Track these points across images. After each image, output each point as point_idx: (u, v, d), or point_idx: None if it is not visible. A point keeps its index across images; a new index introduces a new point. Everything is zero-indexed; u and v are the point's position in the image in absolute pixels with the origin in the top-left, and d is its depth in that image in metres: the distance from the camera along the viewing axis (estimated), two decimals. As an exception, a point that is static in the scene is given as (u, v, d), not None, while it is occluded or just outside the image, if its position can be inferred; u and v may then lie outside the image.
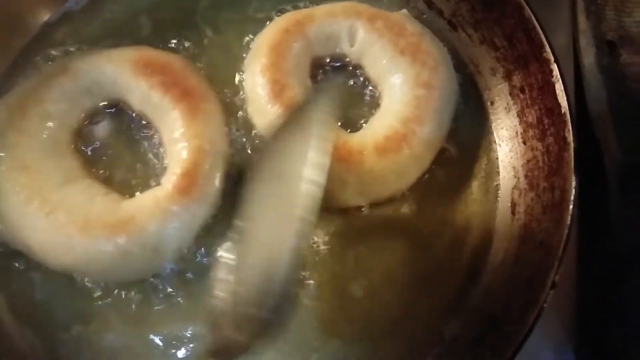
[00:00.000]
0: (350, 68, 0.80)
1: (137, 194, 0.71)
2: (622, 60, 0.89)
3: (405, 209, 0.74)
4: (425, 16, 0.83)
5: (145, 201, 0.67)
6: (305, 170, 0.57)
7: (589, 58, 0.91)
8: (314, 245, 0.72)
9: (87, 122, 0.75)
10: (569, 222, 0.61)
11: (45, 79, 0.71)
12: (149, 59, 0.73)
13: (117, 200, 0.68)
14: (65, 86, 0.71)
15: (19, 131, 0.68)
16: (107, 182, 0.73)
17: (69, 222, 0.64)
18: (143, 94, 0.72)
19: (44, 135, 0.69)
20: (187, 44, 0.80)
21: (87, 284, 0.69)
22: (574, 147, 0.65)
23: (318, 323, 0.69)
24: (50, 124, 0.70)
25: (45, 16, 0.81)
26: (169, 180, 0.68)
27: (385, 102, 0.76)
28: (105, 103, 0.76)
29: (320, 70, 0.80)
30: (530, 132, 0.72)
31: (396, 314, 0.70)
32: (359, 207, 0.74)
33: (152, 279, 0.70)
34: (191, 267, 0.70)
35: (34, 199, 0.65)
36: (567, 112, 0.65)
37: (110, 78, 0.73)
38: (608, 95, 0.88)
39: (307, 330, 0.69)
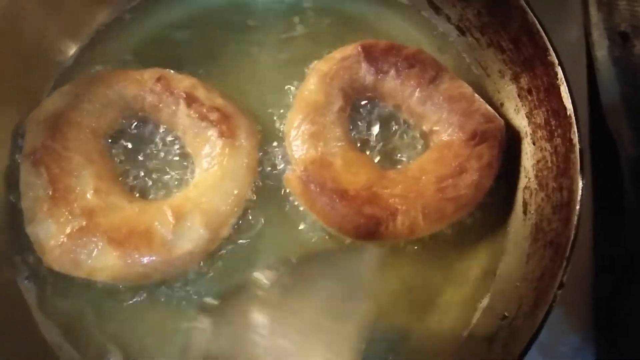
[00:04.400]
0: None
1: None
2: (635, 52, 0.90)
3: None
4: (433, 22, 0.86)
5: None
6: None
7: (601, 50, 0.92)
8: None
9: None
10: (575, 222, 0.63)
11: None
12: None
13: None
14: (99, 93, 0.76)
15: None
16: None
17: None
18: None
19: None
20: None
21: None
22: (580, 149, 0.66)
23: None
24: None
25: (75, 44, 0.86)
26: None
27: None
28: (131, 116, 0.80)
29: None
30: (539, 133, 0.74)
31: (414, 314, 0.73)
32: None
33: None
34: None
35: None
36: (573, 115, 0.67)
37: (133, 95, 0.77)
38: (621, 87, 0.89)
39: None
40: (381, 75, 0.78)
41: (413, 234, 0.71)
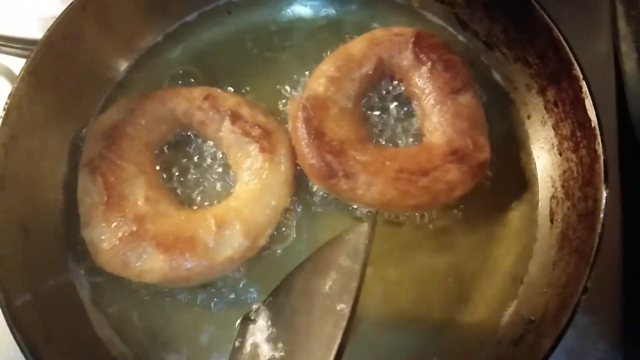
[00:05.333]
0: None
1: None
2: (663, 65, 0.91)
3: (450, 219, 0.80)
4: (461, 38, 0.89)
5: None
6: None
7: (630, 63, 0.93)
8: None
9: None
10: (599, 230, 0.65)
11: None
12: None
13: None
14: (152, 109, 0.81)
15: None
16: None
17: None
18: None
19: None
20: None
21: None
22: (604, 159, 0.68)
23: (373, 317, 0.77)
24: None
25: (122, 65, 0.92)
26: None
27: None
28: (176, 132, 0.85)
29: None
30: (565, 144, 0.76)
31: (443, 319, 0.76)
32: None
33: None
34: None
35: None
36: (597, 127, 0.69)
37: (183, 111, 0.82)
38: (649, 100, 0.90)
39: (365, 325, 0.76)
40: (417, 64, 0.82)
41: (357, 201, 0.77)
